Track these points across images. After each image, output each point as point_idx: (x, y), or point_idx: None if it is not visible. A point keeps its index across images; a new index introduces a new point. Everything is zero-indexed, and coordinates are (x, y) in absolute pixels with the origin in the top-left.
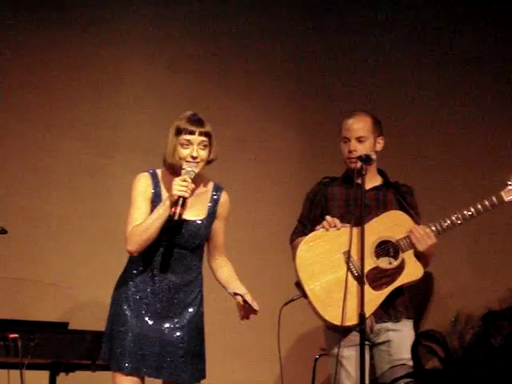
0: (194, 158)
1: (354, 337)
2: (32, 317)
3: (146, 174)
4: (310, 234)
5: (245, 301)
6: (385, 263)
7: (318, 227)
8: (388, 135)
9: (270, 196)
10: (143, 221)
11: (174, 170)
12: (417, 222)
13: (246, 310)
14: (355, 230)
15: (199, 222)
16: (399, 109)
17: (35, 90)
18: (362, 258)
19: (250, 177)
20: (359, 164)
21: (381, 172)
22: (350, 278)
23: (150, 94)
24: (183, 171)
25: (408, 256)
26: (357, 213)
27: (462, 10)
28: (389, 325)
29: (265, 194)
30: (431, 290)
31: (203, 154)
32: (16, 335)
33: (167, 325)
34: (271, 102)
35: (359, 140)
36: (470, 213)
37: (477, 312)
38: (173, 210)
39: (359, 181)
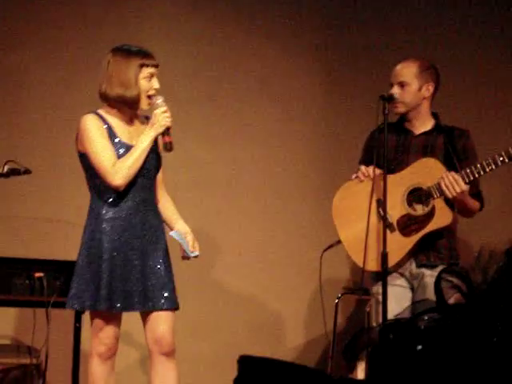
0: (156, 90)
1: (393, 278)
2: (57, 256)
3: (92, 114)
4: (346, 183)
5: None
6: (415, 210)
7: (353, 176)
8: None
9: (292, 136)
10: (129, 154)
11: (125, 104)
12: (465, 167)
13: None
14: (390, 178)
15: (153, 150)
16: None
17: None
18: (384, 205)
19: (271, 117)
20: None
21: (435, 116)
22: (382, 225)
23: (171, 31)
24: (157, 102)
25: (438, 203)
26: (398, 158)
27: None
28: (428, 271)
29: (286, 134)
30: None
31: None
32: (41, 274)
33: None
34: (294, 41)
35: (401, 85)
36: (501, 158)
37: (500, 247)
38: (167, 139)
39: (408, 126)
